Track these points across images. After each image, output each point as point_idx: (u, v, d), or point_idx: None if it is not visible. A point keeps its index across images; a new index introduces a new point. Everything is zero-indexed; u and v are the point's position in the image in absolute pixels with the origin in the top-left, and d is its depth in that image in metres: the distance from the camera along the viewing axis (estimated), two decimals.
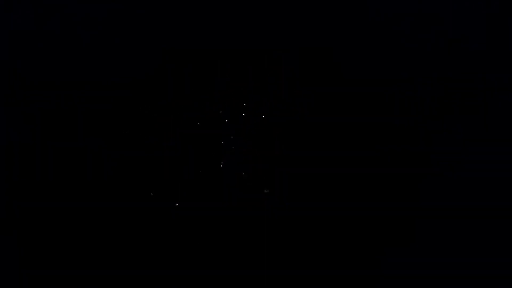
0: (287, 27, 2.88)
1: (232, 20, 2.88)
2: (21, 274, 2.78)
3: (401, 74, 2.87)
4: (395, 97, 2.86)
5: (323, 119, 2.86)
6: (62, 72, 2.86)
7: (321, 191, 2.83)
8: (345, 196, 2.82)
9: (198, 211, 2.82)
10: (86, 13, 2.87)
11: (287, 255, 2.80)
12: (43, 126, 2.84)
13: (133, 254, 2.79)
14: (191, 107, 2.87)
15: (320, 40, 2.89)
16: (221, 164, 2.79)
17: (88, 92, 2.85)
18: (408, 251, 2.79)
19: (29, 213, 2.80)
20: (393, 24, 2.88)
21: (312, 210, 2.82)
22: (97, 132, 2.84)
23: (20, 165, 2.82)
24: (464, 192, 2.81)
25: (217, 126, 2.86)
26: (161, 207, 2.82)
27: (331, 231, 2.81)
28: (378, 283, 2.78)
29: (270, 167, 2.84)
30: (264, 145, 2.85)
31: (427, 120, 2.86)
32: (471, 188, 2.81)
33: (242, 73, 2.88)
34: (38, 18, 2.86)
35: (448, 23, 2.89)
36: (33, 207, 2.80)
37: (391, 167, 2.83)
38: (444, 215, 2.80)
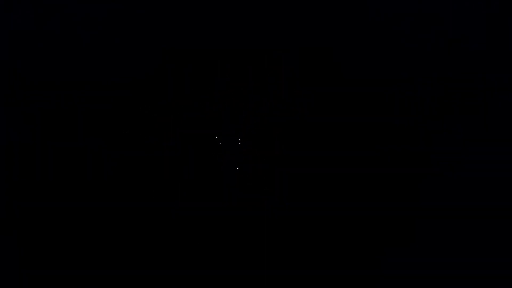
0: (287, 27, 2.88)
1: (232, 20, 2.88)
2: (21, 274, 2.78)
3: (401, 74, 2.87)
4: (395, 97, 2.86)
5: (323, 119, 2.86)
6: (62, 72, 2.86)
7: (321, 191, 2.83)
8: (345, 196, 2.82)
9: (198, 211, 2.82)
10: (86, 13, 2.87)
11: (287, 255, 2.80)
12: (43, 126, 2.84)
13: (133, 254, 2.79)
14: (191, 107, 2.87)
15: (320, 40, 2.89)
16: (221, 164, 2.79)
17: (88, 92, 2.85)
18: (408, 251, 2.79)
19: (29, 213, 2.80)
20: (393, 24, 2.88)
21: (312, 210, 2.82)
22: (97, 132, 2.84)
23: (20, 165, 2.82)
24: (464, 192, 2.81)
25: (217, 126, 2.86)
26: (161, 207, 2.82)
27: (331, 231, 2.81)
28: (378, 283, 2.78)
29: (270, 167, 2.84)
30: (264, 145, 2.85)
31: (427, 120, 2.86)
32: (471, 188, 2.81)
33: (242, 73, 2.88)
34: (38, 18, 2.86)
35: (448, 23, 2.89)
36: (33, 207, 2.80)
37: (391, 167, 2.83)
38: (444, 215, 2.80)
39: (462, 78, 2.87)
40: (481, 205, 2.80)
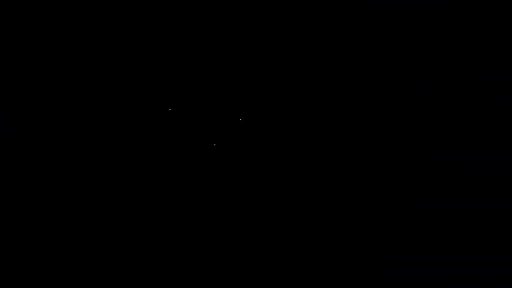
0: (287, 27, 2.88)
1: (232, 20, 2.88)
2: (21, 274, 2.78)
3: (401, 74, 2.87)
4: (395, 97, 2.86)
5: (323, 119, 2.86)
6: (62, 72, 2.86)
7: (321, 191, 2.83)
8: (345, 196, 2.82)
9: (198, 211, 2.82)
10: (86, 13, 2.87)
11: (287, 255, 2.80)
12: (43, 126, 2.84)
13: (133, 254, 2.79)
14: (191, 107, 2.87)
15: (320, 40, 2.89)
16: (221, 164, 2.79)
17: (88, 92, 2.85)
18: (408, 251, 2.79)
19: (29, 213, 2.80)
20: (393, 24, 2.88)
21: (312, 210, 2.82)
22: (97, 132, 2.84)
23: (20, 165, 2.82)
24: (464, 192, 2.81)
25: (217, 126, 2.86)
26: (161, 207, 2.82)
27: (331, 231, 2.81)
28: (378, 283, 2.78)
29: (270, 167, 2.84)
30: (264, 145, 2.85)
31: (427, 120, 2.86)
32: (471, 188, 2.81)
33: (242, 73, 2.88)
34: (38, 18, 2.86)
35: (448, 23, 2.89)
36: (33, 207, 2.80)
37: (391, 167, 2.83)
38: (444, 215, 2.80)
39: (462, 78, 2.87)
40: (481, 205, 2.80)
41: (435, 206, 2.81)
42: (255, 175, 2.83)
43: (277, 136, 2.85)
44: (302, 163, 2.84)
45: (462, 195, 2.81)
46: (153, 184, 2.82)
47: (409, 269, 2.78)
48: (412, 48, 2.87)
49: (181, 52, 2.88)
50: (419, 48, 2.87)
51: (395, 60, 2.87)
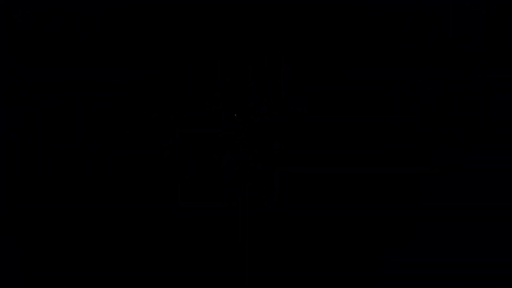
0: (287, 27, 2.88)
1: (231, 20, 2.88)
2: (21, 274, 2.78)
3: (401, 74, 2.87)
4: (395, 97, 2.86)
5: (323, 119, 2.86)
6: (62, 72, 2.86)
7: (321, 191, 2.83)
8: (345, 196, 2.82)
9: (198, 211, 2.82)
10: (86, 13, 2.87)
11: (287, 255, 2.80)
12: (43, 126, 2.84)
13: (133, 254, 2.79)
14: (191, 107, 2.87)
15: (320, 40, 2.89)
16: (221, 164, 2.79)
17: (88, 92, 2.85)
18: (408, 251, 2.79)
19: (29, 213, 2.80)
20: (393, 24, 2.88)
21: (312, 210, 2.82)
22: (97, 132, 2.84)
23: (20, 165, 2.82)
24: (464, 192, 2.81)
25: (217, 126, 2.86)
26: (161, 207, 2.82)
27: (331, 231, 2.81)
28: (378, 283, 2.78)
29: (270, 167, 2.84)
30: (264, 145, 2.85)
31: (427, 120, 2.86)
32: (471, 188, 2.81)
33: (242, 73, 2.88)
34: (38, 18, 2.86)
35: (448, 23, 2.89)
36: (33, 207, 2.80)
37: (391, 167, 2.83)
38: (444, 215, 2.80)
39: (462, 78, 2.87)
40: (481, 205, 2.80)
41: (435, 206, 2.81)
42: (255, 175, 2.83)
43: (277, 136, 2.85)
44: (302, 163, 2.84)
45: (462, 195, 2.81)
46: (153, 184, 2.82)
47: (409, 269, 2.78)
48: (412, 48, 2.87)
49: (181, 52, 2.88)
50: (419, 48, 2.87)
51: (395, 60, 2.87)
